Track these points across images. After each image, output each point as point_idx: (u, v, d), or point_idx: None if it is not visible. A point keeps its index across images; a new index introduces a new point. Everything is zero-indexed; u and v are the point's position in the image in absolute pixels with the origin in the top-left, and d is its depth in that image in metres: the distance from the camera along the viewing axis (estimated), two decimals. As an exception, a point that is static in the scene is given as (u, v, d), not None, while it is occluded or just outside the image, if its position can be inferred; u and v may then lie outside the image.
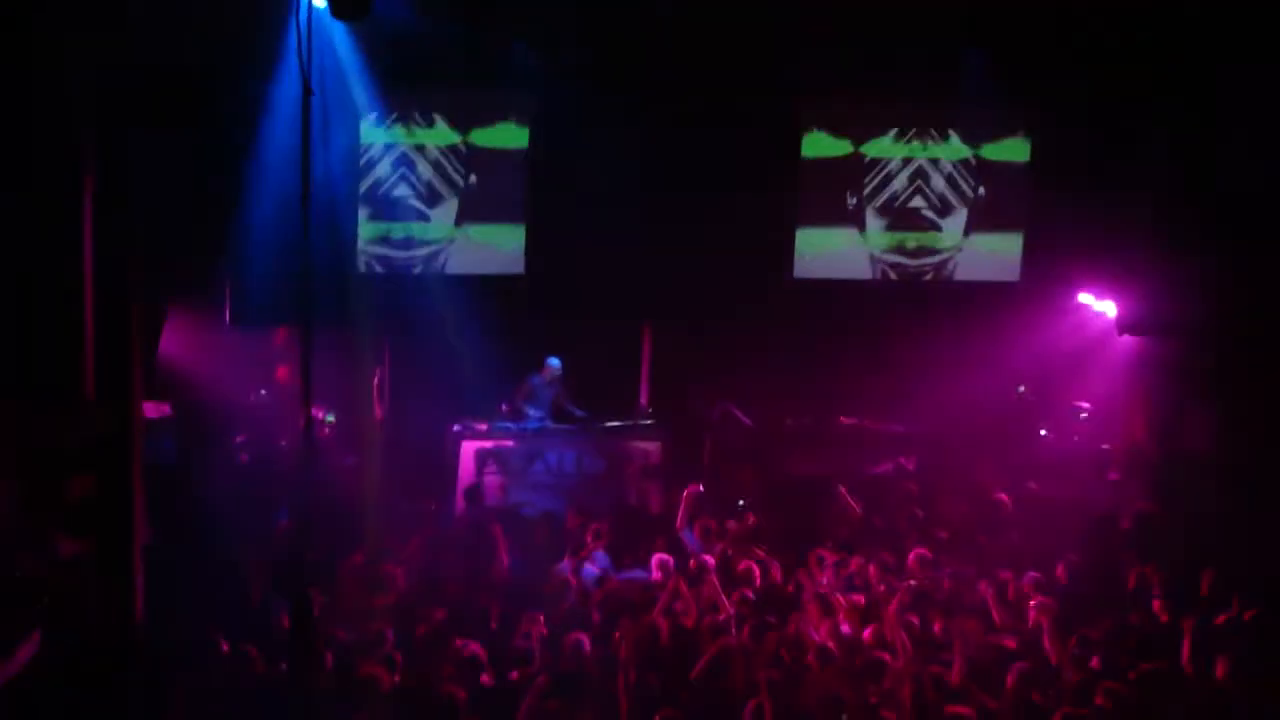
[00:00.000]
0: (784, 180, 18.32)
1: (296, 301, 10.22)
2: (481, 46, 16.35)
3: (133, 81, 10.74)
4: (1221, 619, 11.53)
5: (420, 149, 17.36)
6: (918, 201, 18.79)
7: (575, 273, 17.25)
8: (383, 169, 17.18)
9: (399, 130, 17.23)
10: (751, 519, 14.46)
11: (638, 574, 12.80)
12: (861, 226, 18.87)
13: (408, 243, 17.51)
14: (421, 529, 14.30)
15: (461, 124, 17.43)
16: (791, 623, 11.27)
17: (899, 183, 18.71)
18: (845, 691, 10.07)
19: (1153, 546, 13.90)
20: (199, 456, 15.29)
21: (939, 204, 18.79)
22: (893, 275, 18.96)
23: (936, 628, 11.45)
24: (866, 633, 11.23)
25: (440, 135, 17.38)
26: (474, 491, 15.88)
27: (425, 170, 17.34)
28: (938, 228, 18.87)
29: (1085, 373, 18.75)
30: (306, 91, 9.73)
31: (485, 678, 10.26)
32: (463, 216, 17.58)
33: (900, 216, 18.82)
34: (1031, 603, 11.69)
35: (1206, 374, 16.97)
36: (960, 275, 19.01)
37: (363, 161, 17.07)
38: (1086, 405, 18.71)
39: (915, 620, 11.39)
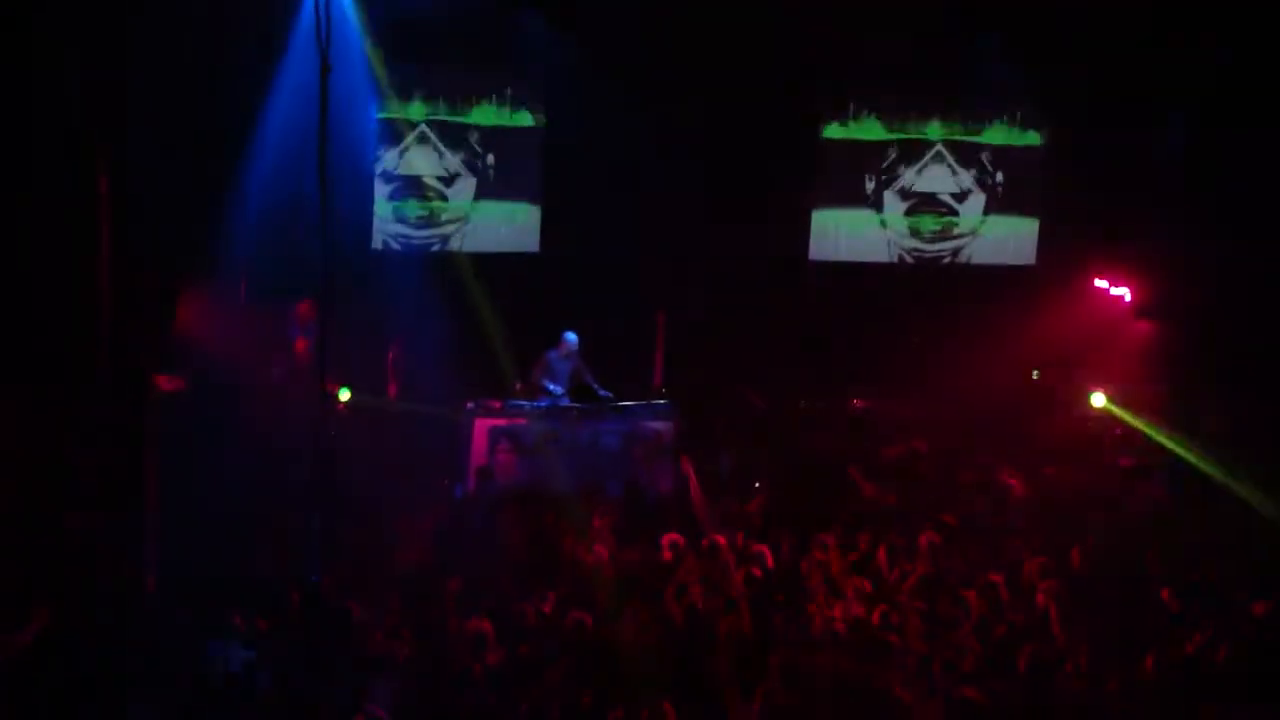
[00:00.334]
0: (802, 162, 18.31)
1: (313, 278, 10.24)
2: (499, 25, 16.36)
3: (145, 59, 10.78)
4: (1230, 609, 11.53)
5: (437, 128, 17.36)
6: (935, 185, 18.76)
7: (590, 251, 17.25)
8: (400, 147, 17.19)
9: (416, 109, 17.24)
10: (755, 505, 14.43)
11: None
12: (879, 209, 18.86)
13: (424, 221, 17.52)
14: (434, 506, 14.33)
15: (478, 103, 17.43)
16: (801, 605, 11.28)
17: (916, 167, 18.68)
18: (855, 674, 10.08)
19: (1164, 533, 13.89)
20: (213, 431, 15.33)
21: (956, 189, 18.76)
22: (909, 258, 18.94)
23: (947, 611, 11.45)
24: (876, 615, 11.23)
25: (457, 114, 17.38)
26: (487, 470, 15.88)
27: (442, 149, 17.35)
28: (955, 211, 18.85)
29: (1101, 357, 18.70)
30: (325, 69, 9.75)
31: (492, 655, 10.28)
32: (479, 195, 17.59)
33: (917, 200, 18.79)
34: (1041, 587, 11.69)
35: (1221, 359, 16.92)
36: (977, 259, 18.99)
37: (380, 140, 17.08)
38: (1101, 390, 18.67)
39: (925, 604, 11.40)
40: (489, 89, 17.49)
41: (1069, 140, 18.19)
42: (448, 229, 17.61)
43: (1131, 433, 17.83)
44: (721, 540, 12.43)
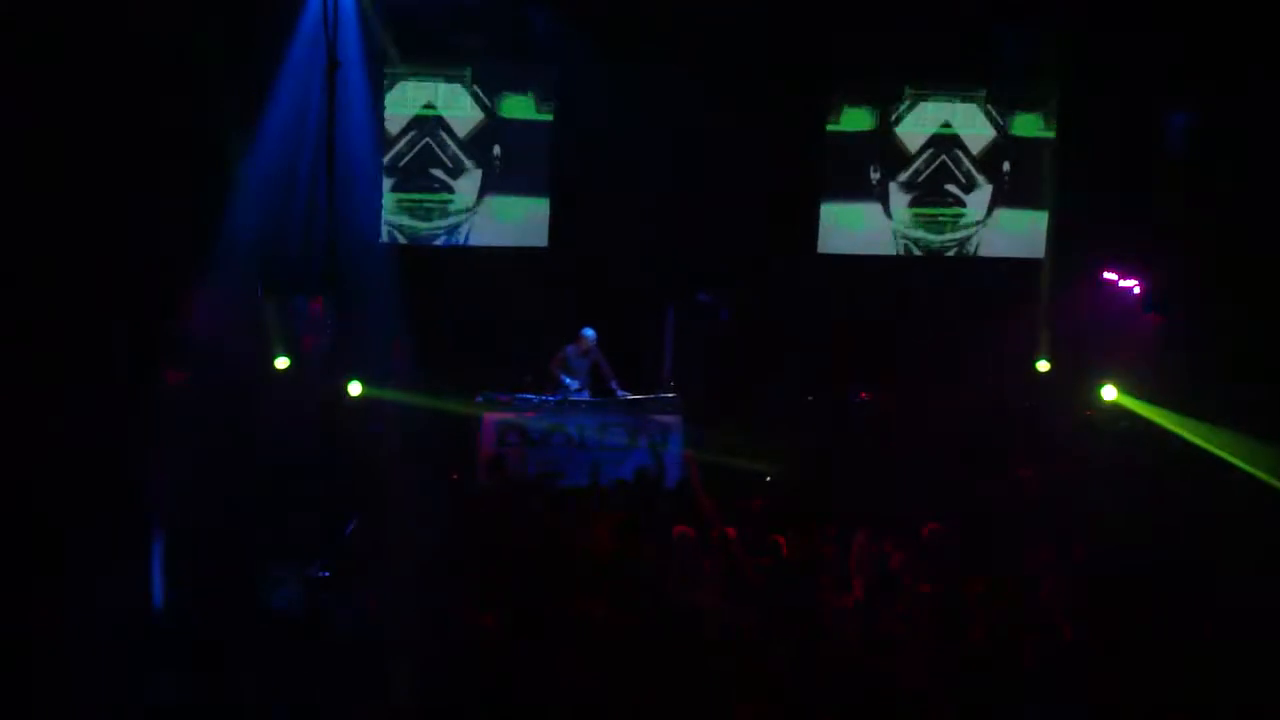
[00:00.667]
0: (809, 155, 18.31)
1: (320, 272, 10.28)
2: (506, 18, 16.38)
3: (156, 53, 10.80)
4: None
5: (444, 121, 17.38)
6: (942, 177, 18.75)
7: (598, 245, 17.27)
8: (407, 140, 17.21)
9: (424, 102, 17.26)
10: (763, 497, 14.44)
11: None
12: (886, 202, 18.84)
13: (431, 214, 17.54)
14: (443, 499, 14.35)
15: (486, 96, 17.45)
16: (808, 595, 11.30)
17: (924, 158, 18.67)
18: (863, 665, 10.11)
19: (1172, 525, 13.89)
20: (223, 426, 15.37)
21: (964, 180, 18.75)
22: (917, 251, 18.93)
23: (955, 603, 11.46)
24: (884, 605, 11.25)
25: (465, 107, 17.40)
26: (495, 463, 15.91)
27: (449, 142, 17.37)
28: (962, 203, 18.84)
29: (1110, 351, 18.68)
30: (332, 64, 9.79)
31: (502, 647, 10.31)
32: (486, 188, 17.61)
33: (925, 192, 18.79)
34: (1048, 579, 11.71)
35: (1231, 352, 16.90)
36: (984, 251, 18.98)
37: (387, 133, 17.10)
38: (1109, 383, 18.66)
39: (933, 596, 11.41)
40: (497, 82, 17.50)
41: (1079, 132, 18.17)
42: (454, 221, 17.62)
43: (1141, 425, 17.85)
44: (731, 532, 12.46)
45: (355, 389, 16.83)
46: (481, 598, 11.34)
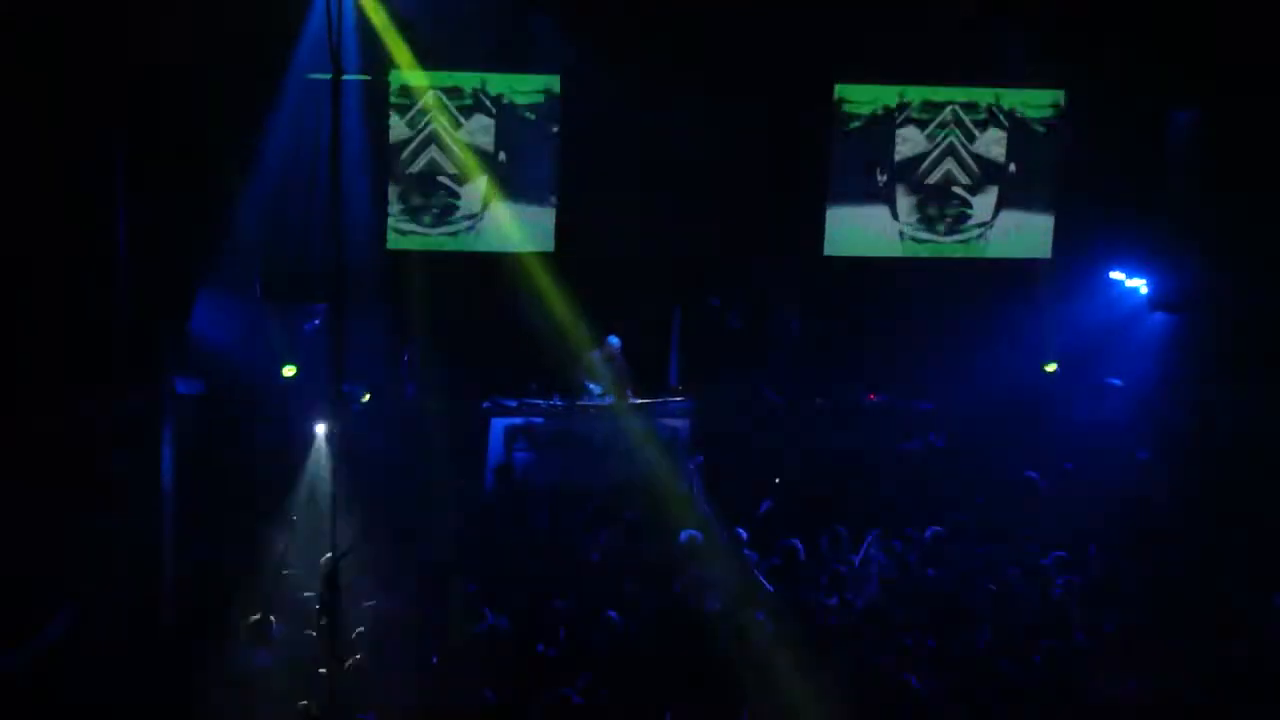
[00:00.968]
0: (814, 157, 18.29)
1: (327, 279, 10.28)
2: (510, 24, 16.38)
3: (161, 58, 10.80)
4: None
5: (450, 126, 17.38)
6: (949, 179, 18.73)
7: (605, 249, 17.27)
8: (413, 147, 17.21)
9: (429, 108, 17.26)
10: (772, 499, 14.43)
11: None
12: (892, 203, 18.81)
13: (437, 219, 17.54)
14: (452, 505, 14.36)
15: (491, 101, 17.44)
16: (818, 596, 11.31)
17: (930, 160, 18.65)
18: (871, 665, 10.11)
19: (1184, 527, 13.88)
20: (231, 433, 15.38)
21: (969, 181, 18.73)
22: (923, 253, 18.90)
23: (963, 604, 11.47)
24: (893, 608, 11.26)
25: (470, 112, 17.39)
26: (503, 468, 15.92)
27: (455, 147, 17.36)
28: (968, 204, 18.80)
29: (1117, 350, 18.67)
30: (337, 71, 9.80)
31: (511, 652, 10.32)
32: (492, 194, 17.60)
33: (931, 193, 18.76)
34: (1059, 581, 11.70)
35: (1238, 352, 16.87)
36: (991, 252, 18.94)
37: (392, 140, 17.09)
38: (1119, 383, 18.63)
39: (941, 597, 11.42)
40: (502, 87, 17.50)
41: (1085, 131, 18.14)
42: (461, 227, 17.61)
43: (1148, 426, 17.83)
44: (742, 534, 12.48)
45: (365, 396, 16.87)
46: (491, 603, 11.36)
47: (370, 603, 11.44)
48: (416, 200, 17.40)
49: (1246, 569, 12.50)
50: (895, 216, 18.75)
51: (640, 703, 9.78)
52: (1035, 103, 18.53)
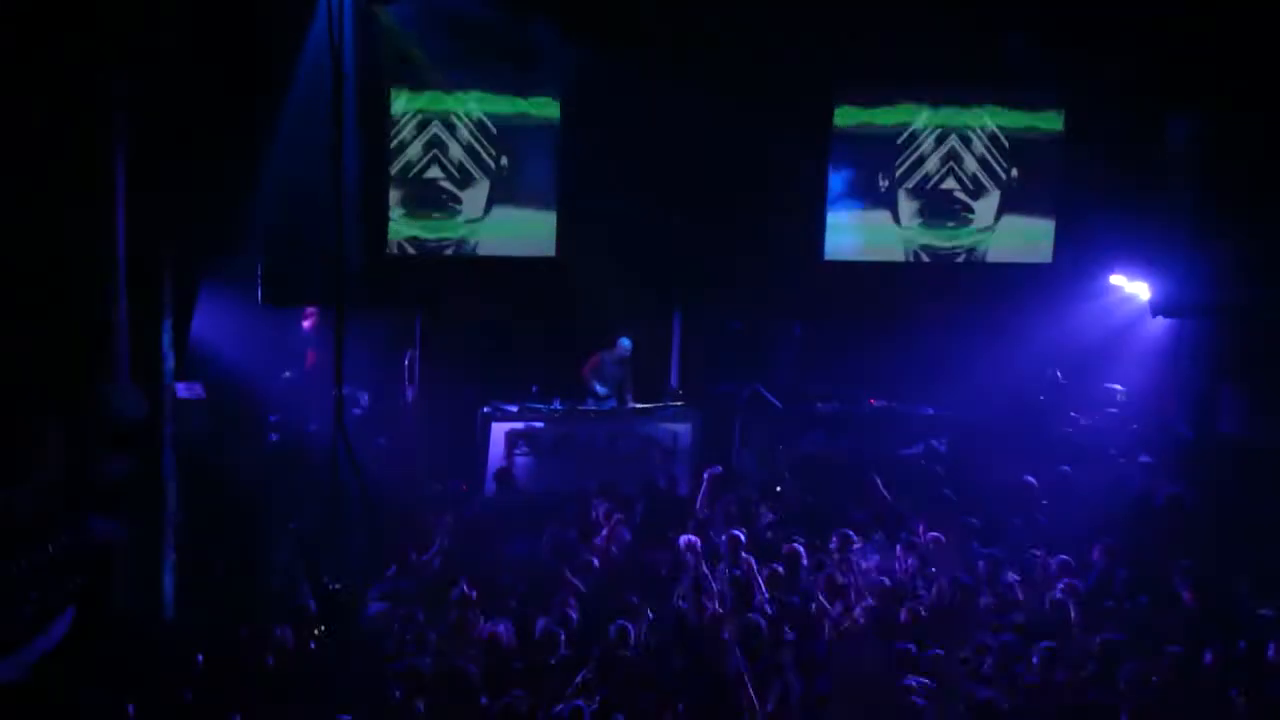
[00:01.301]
0: (815, 162, 18.29)
1: (328, 283, 10.27)
2: (511, 27, 16.36)
3: (162, 63, 10.77)
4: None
5: (451, 131, 17.37)
6: (950, 183, 18.72)
7: (606, 253, 17.26)
8: (414, 151, 17.19)
9: (430, 112, 17.25)
10: (773, 505, 14.40)
11: None
12: (893, 208, 18.81)
13: (439, 225, 17.53)
14: (452, 510, 14.35)
15: (492, 106, 17.44)
16: (819, 604, 11.29)
17: (931, 164, 18.64)
18: (872, 674, 10.10)
19: (1184, 531, 13.86)
20: (231, 438, 15.37)
21: (971, 186, 18.72)
22: (924, 257, 18.90)
23: (965, 611, 11.45)
24: (894, 614, 11.24)
25: (471, 117, 17.39)
26: (504, 473, 15.91)
27: (456, 152, 17.35)
28: (970, 209, 18.80)
29: (1118, 355, 18.67)
30: (338, 75, 9.79)
31: (512, 660, 10.30)
32: (494, 199, 17.59)
33: (932, 198, 18.75)
34: (1059, 584, 11.68)
35: (1239, 356, 16.88)
36: (992, 257, 18.94)
37: (394, 144, 17.08)
38: (1120, 387, 18.62)
39: (942, 604, 11.40)
40: (504, 92, 17.49)
41: (1086, 136, 18.14)
42: (463, 232, 17.61)
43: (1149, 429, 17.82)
44: (741, 538, 12.47)
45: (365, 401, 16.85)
46: (491, 609, 11.35)
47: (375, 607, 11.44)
48: (417, 204, 17.39)
49: (1247, 574, 12.50)
50: (896, 221, 18.75)
51: (645, 711, 9.79)
52: (1036, 124, 18.59)
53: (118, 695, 9.64)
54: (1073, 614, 11.21)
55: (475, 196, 17.54)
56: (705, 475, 14.39)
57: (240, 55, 13.23)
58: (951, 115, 18.57)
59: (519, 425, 16.47)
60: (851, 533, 12.95)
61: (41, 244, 10.64)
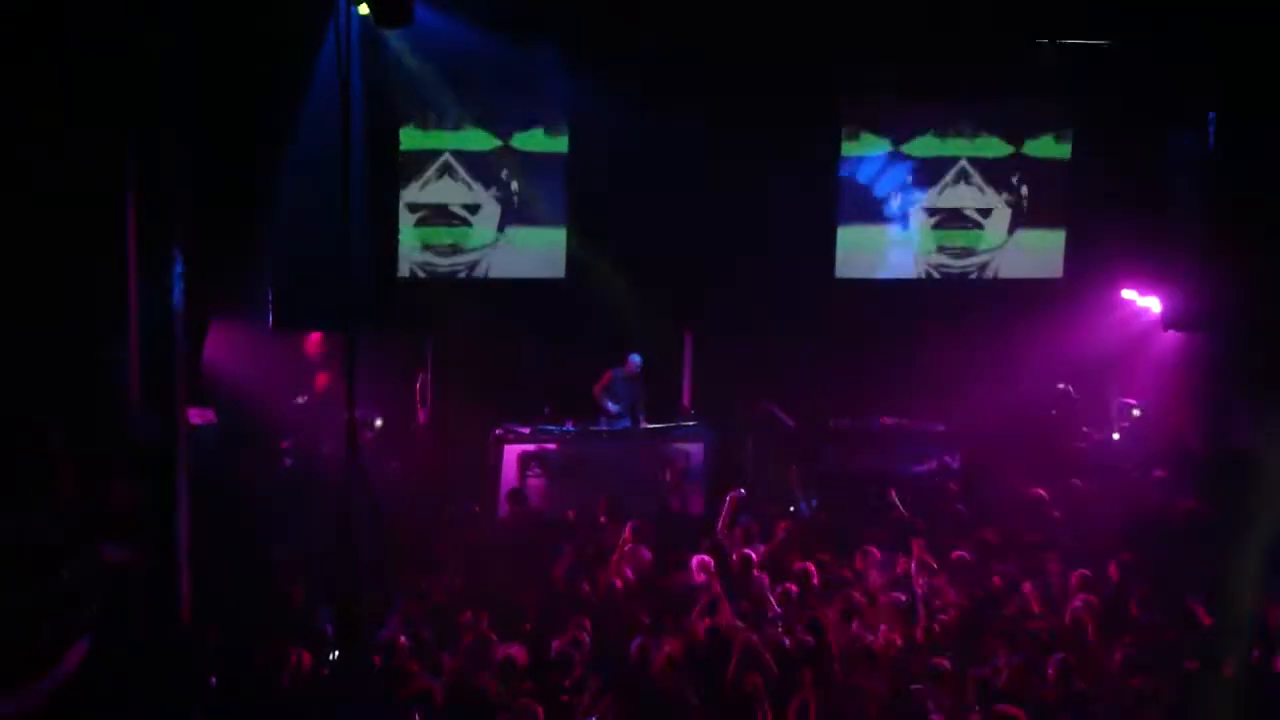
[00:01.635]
0: (826, 180, 18.31)
1: (340, 307, 10.26)
2: (520, 52, 16.41)
3: (172, 84, 10.78)
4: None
5: (461, 154, 17.42)
6: (960, 200, 18.74)
7: (616, 274, 17.29)
8: (424, 175, 17.25)
9: (440, 136, 17.31)
10: (783, 527, 14.36)
11: None
12: (904, 225, 18.83)
13: (450, 248, 17.57)
14: (466, 533, 14.35)
15: (502, 129, 17.49)
16: (831, 622, 11.25)
17: (941, 181, 18.66)
18: (889, 691, 10.06)
19: (1200, 546, 13.80)
20: (244, 462, 15.37)
21: (982, 203, 18.74)
22: (936, 274, 18.91)
23: (981, 626, 11.41)
24: (910, 632, 11.20)
25: (481, 140, 17.44)
26: (517, 495, 15.89)
27: (466, 175, 17.40)
28: (980, 225, 18.82)
29: (1130, 370, 18.64)
30: (346, 98, 9.80)
31: (526, 682, 10.27)
32: (504, 221, 17.64)
33: (943, 215, 18.77)
34: (1076, 600, 11.63)
35: (1253, 370, 16.81)
36: (1003, 273, 18.95)
37: (404, 168, 17.13)
38: (1135, 401, 18.58)
39: (959, 620, 11.37)
40: (512, 116, 17.54)
41: (1095, 150, 18.15)
42: (473, 255, 17.65)
43: (1163, 445, 17.76)
44: (754, 556, 12.45)
45: (378, 423, 16.85)
46: (505, 632, 11.32)
47: (389, 629, 11.42)
48: (429, 229, 17.43)
49: (1260, 587, 12.43)
50: (908, 239, 18.77)
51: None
52: (1045, 125, 18.61)
53: (134, 721, 9.62)
54: (1089, 629, 11.16)
55: (486, 220, 17.59)
56: (728, 498, 14.33)
57: (250, 79, 13.28)
58: (962, 134, 18.62)
59: (531, 447, 16.46)
60: (867, 550, 12.96)
61: (51, 267, 10.65)
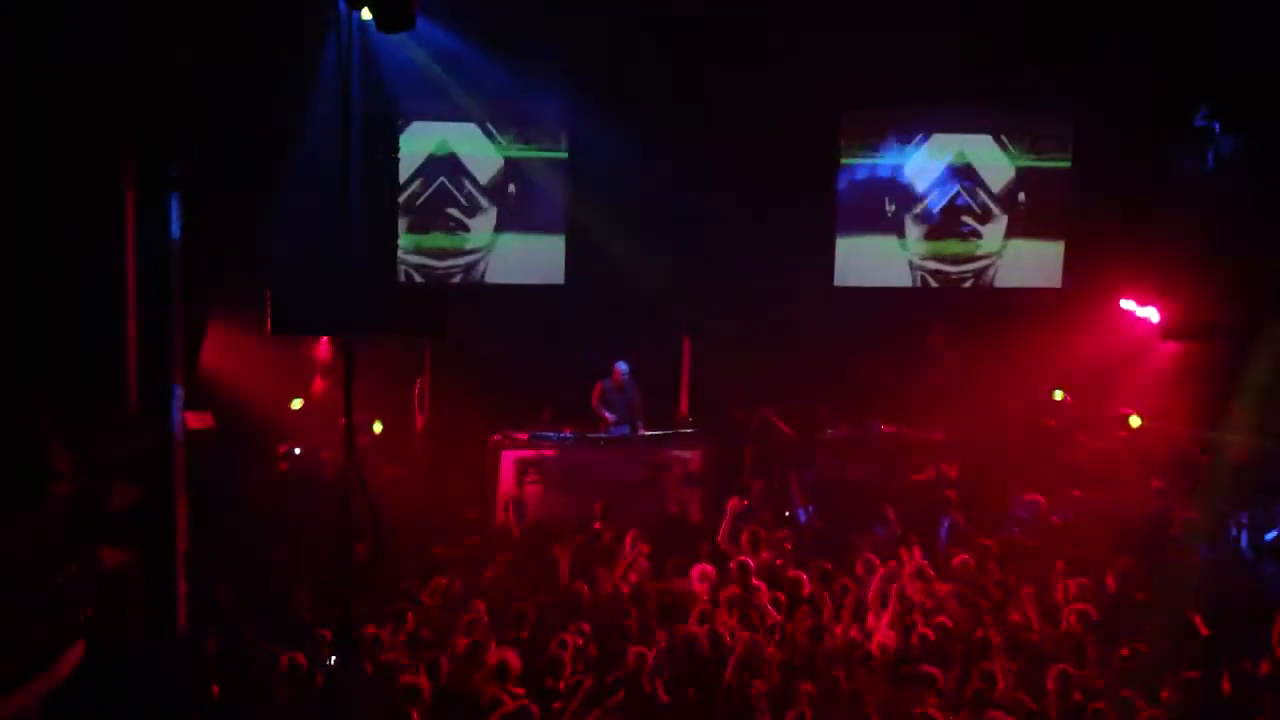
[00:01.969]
0: (823, 189, 18.33)
1: (337, 311, 10.26)
2: (520, 57, 16.42)
3: (174, 88, 10.79)
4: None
5: (459, 160, 17.42)
6: (958, 209, 18.76)
7: (615, 280, 17.28)
8: (422, 180, 17.25)
9: (439, 141, 17.31)
10: (784, 531, 14.34)
11: None
12: (901, 234, 18.84)
13: (447, 253, 17.57)
14: (463, 538, 14.34)
15: (500, 136, 17.49)
16: (832, 629, 11.25)
17: (939, 191, 18.68)
18: (887, 698, 10.06)
19: (1198, 554, 13.82)
20: (242, 467, 15.37)
21: (979, 211, 18.75)
22: (933, 282, 18.92)
23: (979, 634, 11.39)
24: (908, 639, 11.19)
25: (479, 146, 17.44)
26: (515, 501, 15.88)
27: (465, 180, 17.40)
28: (978, 234, 18.84)
29: (1127, 379, 18.63)
30: (346, 102, 9.80)
31: (518, 686, 10.25)
32: (502, 226, 17.64)
33: (940, 224, 18.78)
34: (1074, 608, 11.63)
35: (1250, 378, 16.83)
36: (1001, 282, 18.97)
37: (403, 172, 17.13)
38: (1132, 411, 18.58)
39: (957, 627, 11.35)
40: (510, 122, 17.55)
41: (1094, 161, 18.17)
42: (470, 259, 17.64)
43: (1160, 453, 17.76)
44: (751, 563, 12.43)
45: (378, 428, 16.84)
46: (500, 636, 11.31)
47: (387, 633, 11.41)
48: (427, 234, 17.43)
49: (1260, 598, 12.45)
50: (905, 247, 18.78)
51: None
52: (1044, 135, 18.63)
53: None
54: (1088, 638, 11.15)
55: (484, 225, 17.59)
56: (728, 507, 14.30)
57: (250, 84, 13.29)
58: (960, 144, 18.64)
59: (529, 453, 16.44)
60: (865, 557, 12.94)
61: (50, 273, 10.65)
